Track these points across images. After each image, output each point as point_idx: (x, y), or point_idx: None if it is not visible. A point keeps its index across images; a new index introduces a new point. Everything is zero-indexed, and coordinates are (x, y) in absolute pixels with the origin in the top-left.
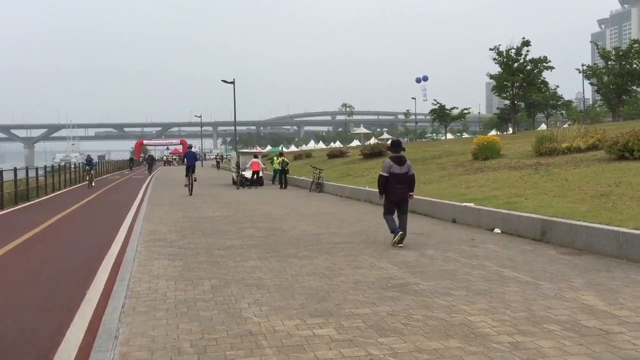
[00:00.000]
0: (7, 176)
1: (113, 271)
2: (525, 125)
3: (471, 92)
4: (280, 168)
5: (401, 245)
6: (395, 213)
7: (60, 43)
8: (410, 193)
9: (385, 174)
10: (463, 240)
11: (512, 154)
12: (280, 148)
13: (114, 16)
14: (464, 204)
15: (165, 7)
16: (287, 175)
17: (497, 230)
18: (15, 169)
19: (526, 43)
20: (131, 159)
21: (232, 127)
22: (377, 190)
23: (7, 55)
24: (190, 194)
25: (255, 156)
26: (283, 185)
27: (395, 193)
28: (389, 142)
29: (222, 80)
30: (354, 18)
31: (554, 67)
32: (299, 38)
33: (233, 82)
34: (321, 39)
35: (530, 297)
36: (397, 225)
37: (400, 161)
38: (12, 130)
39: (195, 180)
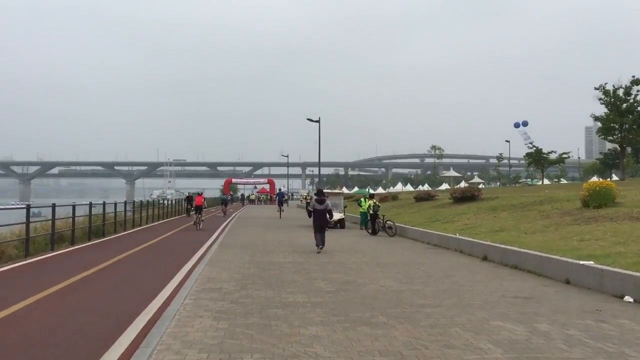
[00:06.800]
0: (83, 211)
1: (143, 331)
2: (631, 172)
3: (568, 137)
4: (372, 212)
5: (319, 252)
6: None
7: (160, 90)
8: (330, 219)
9: (310, 209)
10: (585, 310)
11: (630, 202)
12: (367, 190)
13: (207, 62)
14: (582, 262)
15: (258, 52)
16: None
17: (628, 299)
18: (90, 204)
19: (636, 82)
20: (189, 198)
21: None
22: (465, 238)
23: (113, 96)
24: (280, 217)
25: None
26: (372, 231)
27: (318, 221)
28: (316, 190)
29: (308, 119)
30: (445, 60)
31: None
32: (388, 80)
33: (318, 121)
34: (410, 81)
35: None
36: (320, 240)
37: (321, 201)
38: (115, 167)
39: (283, 211)
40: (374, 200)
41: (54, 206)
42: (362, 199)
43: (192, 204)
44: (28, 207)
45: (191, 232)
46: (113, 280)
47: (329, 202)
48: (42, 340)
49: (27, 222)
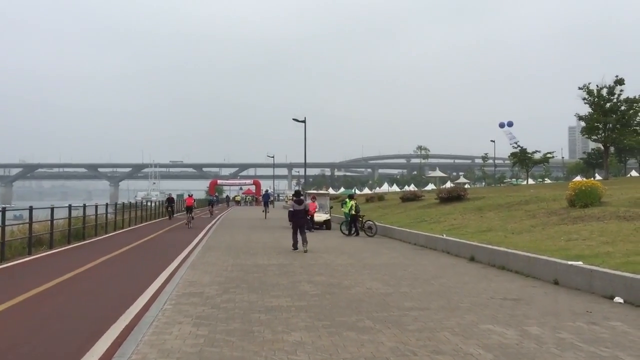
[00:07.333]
0: (64, 214)
1: (119, 339)
2: (614, 172)
3: (552, 137)
4: (354, 212)
5: (305, 251)
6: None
7: (145, 93)
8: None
9: (291, 209)
10: (576, 312)
11: (616, 201)
12: (353, 191)
13: (193, 64)
14: (570, 262)
15: (244, 54)
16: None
17: (618, 300)
18: (70, 206)
19: (620, 81)
20: (169, 200)
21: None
22: (452, 238)
23: (96, 97)
24: (265, 218)
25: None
26: (354, 232)
27: (297, 221)
28: (294, 191)
29: (294, 119)
30: (431, 63)
31: None
32: (374, 81)
33: (304, 121)
34: (396, 82)
35: None
36: (299, 241)
37: (299, 202)
38: (99, 169)
39: (268, 212)
40: (355, 201)
41: (31, 209)
42: (347, 200)
43: (172, 206)
44: (3, 210)
45: (174, 234)
46: (90, 285)
47: (307, 202)
48: (11, 350)
49: (3, 226)
